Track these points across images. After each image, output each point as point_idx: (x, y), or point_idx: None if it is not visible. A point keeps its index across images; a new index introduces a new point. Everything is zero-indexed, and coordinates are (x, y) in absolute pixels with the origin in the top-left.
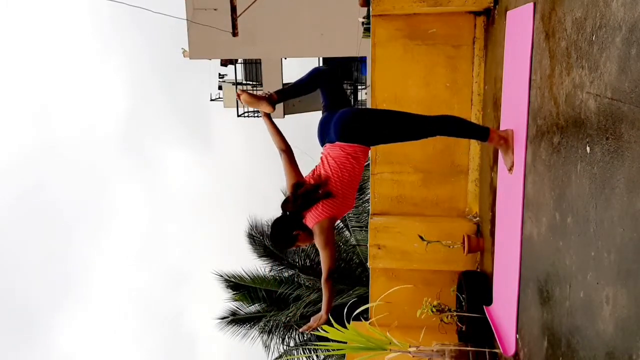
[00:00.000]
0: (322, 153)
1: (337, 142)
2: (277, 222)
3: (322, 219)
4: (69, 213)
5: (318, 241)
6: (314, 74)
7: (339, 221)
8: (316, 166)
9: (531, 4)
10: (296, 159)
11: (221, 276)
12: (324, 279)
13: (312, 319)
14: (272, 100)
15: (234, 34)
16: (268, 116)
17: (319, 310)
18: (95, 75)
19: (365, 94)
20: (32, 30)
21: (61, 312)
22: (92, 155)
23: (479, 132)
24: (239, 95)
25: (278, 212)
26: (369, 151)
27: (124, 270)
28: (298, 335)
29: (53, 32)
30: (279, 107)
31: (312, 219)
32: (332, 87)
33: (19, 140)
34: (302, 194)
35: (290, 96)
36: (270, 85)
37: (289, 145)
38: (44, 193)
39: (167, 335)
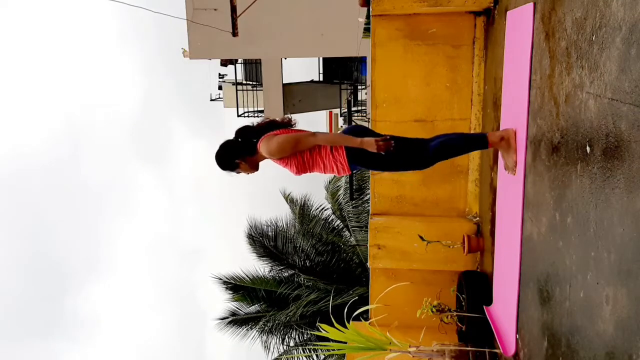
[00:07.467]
0: None
1: None
2: (225, 144)
3: (269, 135)
4: (90, 179)
5: (264, 149)
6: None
7: (338, 221)
8: None
9: (531, 4)
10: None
11: (220, 279)
12: (312, 133)
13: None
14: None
15: (234, 34)
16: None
17: (319, 310)
18: (115, 66)
19: (365, 94)
20: (69, 28)
21: (90, 279)
22: (112, 134)
23: (478, 143)
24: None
25: (278, 213)
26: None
27: (142, 248)
28: (298, 335)
29: (83, 27)
30: (279, 107)
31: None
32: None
33: (53, 117)
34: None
35: None
36: (270, 85)
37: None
38: (70, 165)
39: (182, 306)
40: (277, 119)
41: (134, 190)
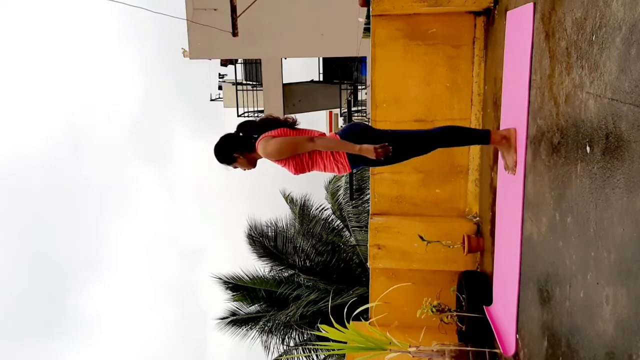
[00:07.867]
0: None
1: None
2: (226, 136)
3: (267, 136)
4: (89, 178)
5: (262, 150)
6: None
7: (338, 221)
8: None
9: (531, 4)
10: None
11: (220, 279)
12: (311, 137)
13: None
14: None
15: (234, 34)
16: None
17: (319, 310)
18: (115, 66)
19: (365, 94)
20: (75, 31)
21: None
22: (112, 134)
23: (480, 137)
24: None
25: (278, 213)
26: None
27: (142, 248)
28: (298, 335)
29: (83, 27)
30: (279, 107)
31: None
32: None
33: (53, 117)
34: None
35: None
36: (270, 85)
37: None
38: (70, 165)
39: (184, 303)
40: (280, 117)
41: (134, 190)
